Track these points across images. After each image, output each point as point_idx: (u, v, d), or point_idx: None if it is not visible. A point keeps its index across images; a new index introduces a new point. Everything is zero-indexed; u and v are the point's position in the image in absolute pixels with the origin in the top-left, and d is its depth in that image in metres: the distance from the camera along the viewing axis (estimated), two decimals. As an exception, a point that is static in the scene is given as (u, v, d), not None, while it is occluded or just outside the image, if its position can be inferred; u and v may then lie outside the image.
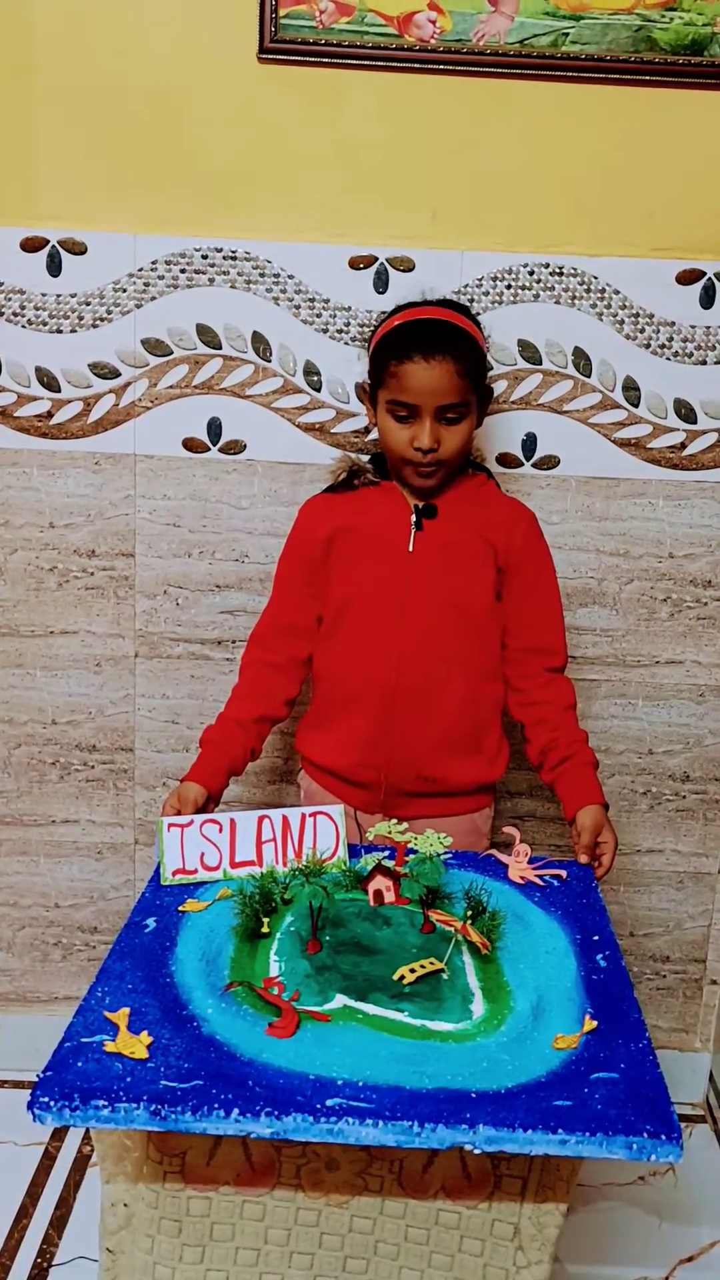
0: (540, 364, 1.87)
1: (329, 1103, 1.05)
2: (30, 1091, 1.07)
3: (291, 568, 1.72)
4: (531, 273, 1.83)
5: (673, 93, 1.77)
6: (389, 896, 1.40)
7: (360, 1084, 1.09)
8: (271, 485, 1.91)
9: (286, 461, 1.90)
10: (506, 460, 1.90)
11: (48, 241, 1.83)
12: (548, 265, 1.83)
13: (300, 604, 1.71)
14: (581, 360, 1.87)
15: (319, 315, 1.85)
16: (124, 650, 1.98)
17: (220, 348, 1.86)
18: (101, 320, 1.85)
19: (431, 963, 1.27)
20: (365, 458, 1.74)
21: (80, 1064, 1.10)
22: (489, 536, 1.66)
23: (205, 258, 1.83)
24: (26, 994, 2.14)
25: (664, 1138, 1.04)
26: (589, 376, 1.87)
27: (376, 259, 1.83)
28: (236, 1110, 1.04)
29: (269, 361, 1.87)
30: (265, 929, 1.35)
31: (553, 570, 1.72)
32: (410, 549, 1.64)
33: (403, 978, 1.24)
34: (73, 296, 1.85)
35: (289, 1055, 1.13)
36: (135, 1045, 1.12)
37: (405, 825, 1.46)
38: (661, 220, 1.82)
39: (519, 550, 1.67)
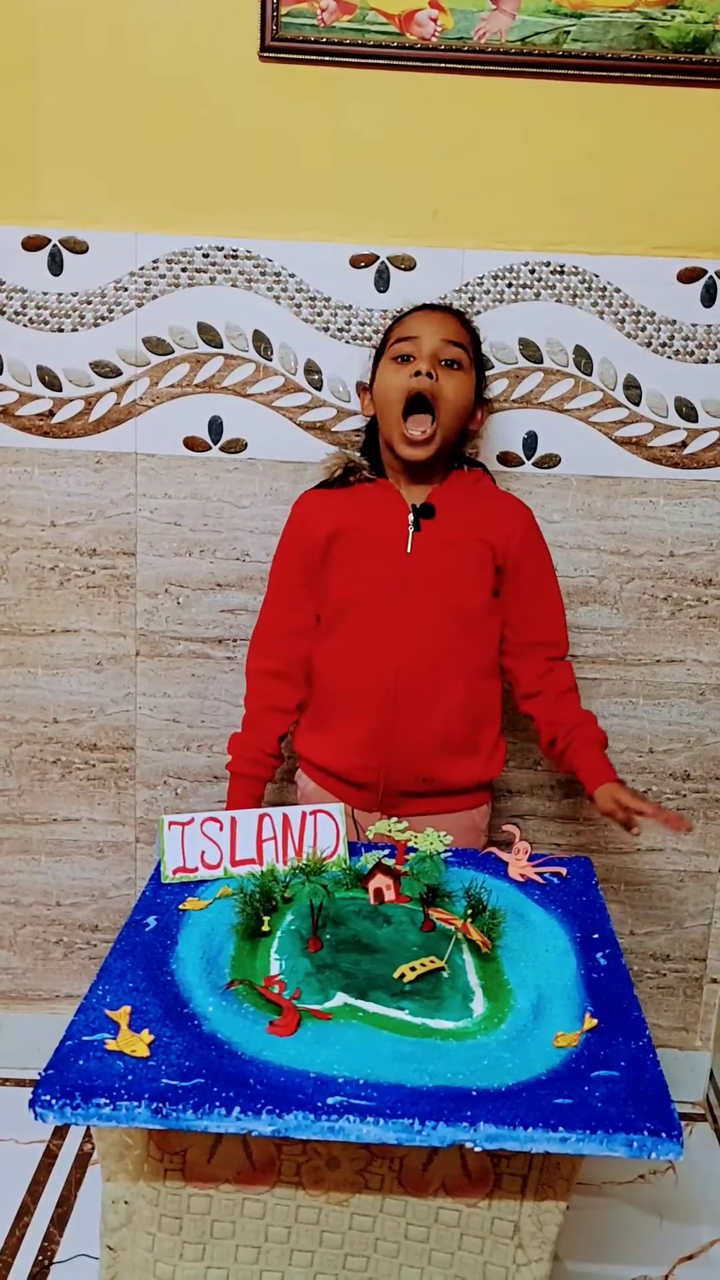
0: (541, 362, 1.87)
1: (330, 1101, 1.06)
2: (32, 1090, 1.07)
3: (288, 567, 1.72)
4: (532, 271, 1.83)
5: (674, 90, 1.77)
6: (389, 895, 1.40)
7: (361, 1082, 1.09)
8: (272, 484, 1.91)
9: (287, 460, 1.90)
10: (507, 459, 1.90)
11: (49, 240, 1.83)
12: (549, 263, 1.83)
13: (298, 605, 1.71)
14: (582, 359, 1.87)
15: (320, 314, 1.85)
16: (125, 649, 1.99)
17: (221, 346, 1.86)
18: (103, 319, 1.85)
19: (432, 961, 1.27)
20: (360, 455, 1.74)
21: (81, 1062, 1.10)
22: (487, 536, 1.66)
23: (206, 256, 1.83)
24: (28, 992, 2.14)
25: (664, 1135, 1.04)
26: (590, 375, 1.87)
27: (377, 257, 1.83)
28: (237, 1108, 1.05)
29: (270, 360, 1.87)
30: (266, 927, 1.35)
31: (551, 565, 1.72)
32: (408, 550, 1.64)
33: (403, 976, 1.24)
34: (74, 295, 1.85)
35: (290, 1053, 1.13)
36: (136, 1044, 1.13)
37: (405, 824, 1.47)
38: (662, 218, 1.82)
39: (518, 550, 1.68)
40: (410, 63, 1.75)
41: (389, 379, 1.62)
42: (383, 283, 1.83)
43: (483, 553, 1.66)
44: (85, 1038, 1.14)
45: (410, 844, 1.44)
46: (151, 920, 1.38)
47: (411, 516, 1.65)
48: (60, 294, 1.85)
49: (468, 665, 1.67)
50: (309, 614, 1.71)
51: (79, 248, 1.83)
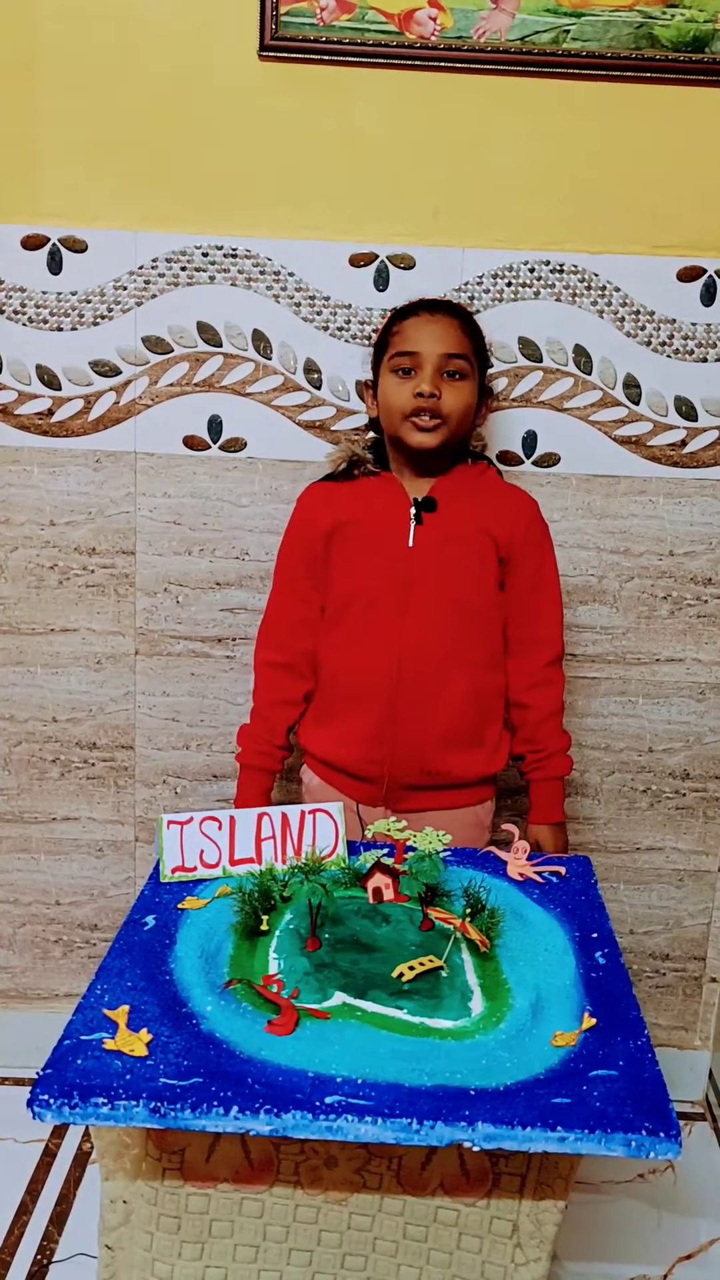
0: (541, 361, 1.87)
1: (328, 1100, 1.06)
2: (30, 1089, 1.07)
3: (292, 560, 1.73)
4: (532, 270, 1.83)
5: (674, 90, 1.77)
6: (388, 894, 1.40)
7: (359, 1081, 1.09)
8: (272, 483, 1.91)
9: (287, 459, 1.90)
10: (507, 458, 1.90)
11: (48, 239, 1.82)
12: (548, 262, 1.83)
13: (304, 596, 1.71)
14: (582, 358, 1.86)
15: (319, 313, 1.85)
16: (124, 648, 1.98)
17: (220, 345, 1.86)
18: (102, 318, 1.85)
19: (430, 960, 1.27)
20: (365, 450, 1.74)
21: (80, 1061, 1.10)
22: (491, 529, 1.66)
23: (206, 255, 1.83)
24: (27, 991, 2.14)
25: (663, 1135, 1.04)
26: (589, 374, 1.87)
27: (377, 256, 1.83)
28: (236, 1107, 1.05)
29: (269, 359, 1.87)
30: (264, 926, 1.35)
31: (554, 560, 1.73)
32: (410, 544, 1.65)
33: (402, 975, 1.24)
34: (73, 294, 1.85)
35: (288, 1053, 1.13)
36: (135, 1043, 1.13)
37: (404, 823, 1.47)
38: (662, 217, 1.82)
39: (521, 542, 1.68)
40: (410, 62, 1.75)
41: (391, 392, 1.63)
42: (382, 282, 1.83)
43: (485, 545, 1.66)
44: (83, 1037, 1.14)
45: (409, 843, 1.44)
46: (150, 919, 1.38)
47: (413, 510, 1.65)
48: (60, 293, 1.84)
49: (471, 659, 1.67)
50: (314, 606, 1.71)
51: (78, 246, 1.83)
